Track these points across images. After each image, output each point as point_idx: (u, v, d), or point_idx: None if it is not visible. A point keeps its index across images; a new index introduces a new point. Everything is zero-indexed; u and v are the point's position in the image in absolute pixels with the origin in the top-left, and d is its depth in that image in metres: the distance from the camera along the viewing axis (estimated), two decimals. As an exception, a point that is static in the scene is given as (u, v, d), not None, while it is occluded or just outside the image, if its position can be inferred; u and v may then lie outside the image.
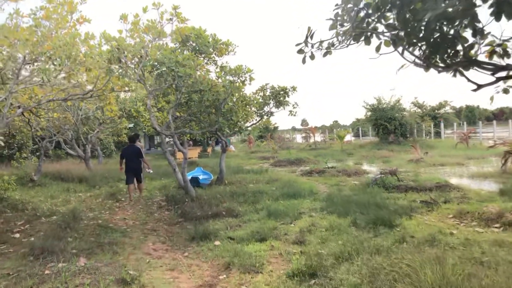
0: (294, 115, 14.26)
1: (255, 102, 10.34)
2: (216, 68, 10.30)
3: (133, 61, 9.19)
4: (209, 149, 31.72)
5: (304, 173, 17.35)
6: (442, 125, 35.44)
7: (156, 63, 8.74)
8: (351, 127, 64.62)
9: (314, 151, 31.63)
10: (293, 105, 13.97)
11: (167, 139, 10.10)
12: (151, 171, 15.24)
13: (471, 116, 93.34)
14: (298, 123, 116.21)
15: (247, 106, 10.59)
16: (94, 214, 9.46)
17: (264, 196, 10.79)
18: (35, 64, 9.11)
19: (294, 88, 13.86)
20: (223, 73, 9.62)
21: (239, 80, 9.63)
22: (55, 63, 8.82)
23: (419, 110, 39.51)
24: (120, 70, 9.35)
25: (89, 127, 18.70)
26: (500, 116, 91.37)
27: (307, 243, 6.46)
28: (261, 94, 14.04)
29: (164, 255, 6.34)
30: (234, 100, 10.41)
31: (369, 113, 33.10)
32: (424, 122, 33.77)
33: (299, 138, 56.08)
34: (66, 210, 9.79)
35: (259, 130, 48.18)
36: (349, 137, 41.01)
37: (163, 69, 8.47)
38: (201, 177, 14.59)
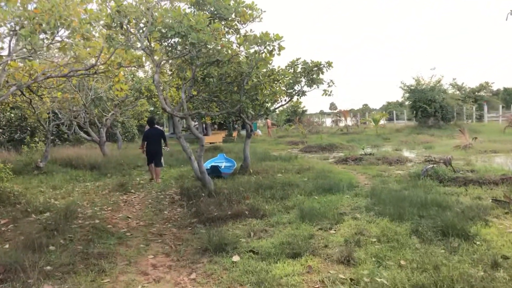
0: (330, 95, 12.40)
1: (286, 76, 8.52)
2: (239, 37, 8.54)
3: (137, 27, 7.55)
4: (235, 134, 30.14)
5: (339, 161, 15.52)
6: (485, 108, 32.68)
7: (164, 29, 7.07)
8: (381, 110, 61.90)
9: (346, 135, 29.59)
10: (328, 84, 12.14)
11: (188, 123, 8.46)
12: (168, 149, 13.74)
13: (509, 99, 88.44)
14: (327, 107, 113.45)
15: (275, 83, 8.81)
16: (93, 210, 7.98)
17: (295, 190, 9.09)
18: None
19: (329, 64, 11.96)
20: (245, 42, 7.85)
21: (265, 50, 7.87)
22: (46, 31, 7.29)
23: (458, 92, 36.67)
24: (122, 39, 7.75)
25: (102, 109, 17.33)
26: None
27: (357, 263, 4.75)
28: (291, 70, 12.25)
29: (165, 276, 4.74)
30: (260, 75, 8.63)
31: (406, 95, 30.67)
32: (466, 104, 31.08)
33: (328, 122, 53.90)
34: (64, 204, 8.38)
35: (286, 113, 46.31)
36: (382, 121, 38.59)
37: (172, 35, 6.80)
38: (223, 165, 13.01)
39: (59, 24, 7.35)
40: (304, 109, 48.06)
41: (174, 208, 8.22)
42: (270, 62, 7.99)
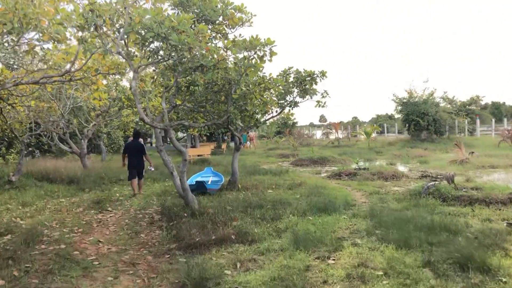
0: (323, 106, 11.72)
1: (277, 84, 7.74)
2: (226, 42, 7.78)
3: (113, 28, 6.77)
4: (224, 146, 29.29)
5: (332, 176, 14.79)
6: (478, 121, 32.33)
7: (142, 31, 6.31)
8: (371, 123, 61.60)
9: (338, 148, 28.93)
10: (322, 94, 11.45)
11: (169, 135, 7.65)
12: (153, 169, 13.29)
13: (497, 113, 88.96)
14: (317, 119, 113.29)
15: (266, 92, 8.05)
16: (61, 233, 7.10)
17: (287, 209, 8.31)
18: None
19: (323, 73, 11.30)
20: (234, 46, 7.09)
21: (255, 56, 7.12)
22: (5, 29, 6.47)
23: (449, 105, 36.31)
24: (98, 42, 6.98)
25: (82, 119, 16.42)
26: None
27: (364, 307, 3.96)
28: (283, 80, 11.55)
29: (132, 322, 3.91)
30: (249, 83, 7.86)
31: (399, 107, 30.16)
32: (459, 118, 30.66)
33: (319, 134, 53.33)
34: (30, 225, 7.49)
35: (277, 125, 45.62)
36: (373, 134, 38.02)
37: (151, 37, 6.04)
38: (209, 180, 12.18)
39: (24, 25, 6.56)
40: (295, 121, 47.44)
41: (152, 230, 7.36)
42: (261, 69, 7.26)
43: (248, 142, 38.68)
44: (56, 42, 7.24)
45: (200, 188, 10.22)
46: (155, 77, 8.84)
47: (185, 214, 7.61)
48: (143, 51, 7.13)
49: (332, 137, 41.62)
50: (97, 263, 5.65)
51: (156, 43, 6.89)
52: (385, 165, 17.96)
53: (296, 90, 11.42)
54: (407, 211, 8.06)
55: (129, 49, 7.17)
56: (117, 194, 11.40)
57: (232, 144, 38.05)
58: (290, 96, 11.53)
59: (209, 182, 11.94)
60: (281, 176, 14.45)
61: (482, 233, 6.22)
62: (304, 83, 11.24)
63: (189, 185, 10.79)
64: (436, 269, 4.78)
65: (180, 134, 33.44)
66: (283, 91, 11.21)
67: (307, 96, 11.47)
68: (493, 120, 33.71)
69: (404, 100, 29.91)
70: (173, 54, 6.38)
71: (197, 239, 6.18)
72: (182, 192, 7.98)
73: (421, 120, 27.78)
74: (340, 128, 37.31)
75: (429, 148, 24.87)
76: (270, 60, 7.18)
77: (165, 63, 7.16)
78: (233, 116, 7.58)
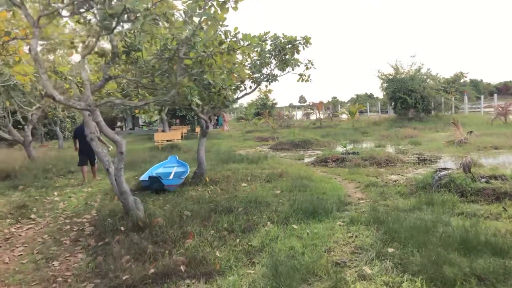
0: (307, 81, 9.68)
1: (248, 44, 5.56)
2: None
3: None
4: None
5: (317, 162, 12.83)
6: (466, 98, 30.77)
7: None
8: (351, 103, 59.86)
9: (320, 129, 26.98)
10: (306, 65, 9.40)
11: (95, 118, 5.43)
12: (111, 148, 11.45)
13: (475, 90, 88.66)
14: (296, 100, 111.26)
15: (232, 55, 5.84)
16: None
17: (264, 213, 6.31)
18: None
19: (307, 40, 9.27)
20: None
21: (214, 3, 4.94)
22: None
23: (432, 82, 34.60)
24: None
25: (23, 101, 13.95)
26: (505, 91, 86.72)
27: None
28: (258, 49, 9.43)
29: None
30: (207, 43, 5.63)
31: (385, 85, 28.26)
32: (448, 95, 28.95)
33: (299, 115, 51.40)
34: None
35: (256, 106, 43.37)
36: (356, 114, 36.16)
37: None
38: (173, 173, 10.07)
39: None
40: (274, 101, 45.25)
41: (73, 253, 5.20)
42: (222, 21, 5.09)
43: (224, 125, 36.52)
44: None
45: (155, 185, 8.11)
46: (87, 41, 6.56)
47: (122, 228, 5.49)
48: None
49: (313, 117, 39.71)
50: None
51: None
52: (375, 147, 16.12)
53: (274, 61, 9.36)
54: (420, 212, 6.16)
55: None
56: (55, 193, 9.17)
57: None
58: (267, 68, 9.46)
59: (172, 174, 9.82)
60: (258, 164, 12.44)
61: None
62: (284, 51, 9.19)
63: (142, 180, 8.71)
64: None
65: (100, 117, 30.85)
66: (258, 63, 9.14)
67: (288, 68, 9.44)
68: (482, 96, 32.21)
69: (390, 77, 28.02)
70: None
71: (126, 276, 4.08)
72: (120, 196, 5.84)
73: (408, 98, 25.96)
74: (322, 108, 35.33)
75: (418, 127, 23.13)
76: (235, 8, 5.01)
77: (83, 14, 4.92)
78: (188, 91, 5.43)
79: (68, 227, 6.36)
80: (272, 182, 9.22)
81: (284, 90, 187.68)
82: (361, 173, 10.25)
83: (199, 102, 5.57)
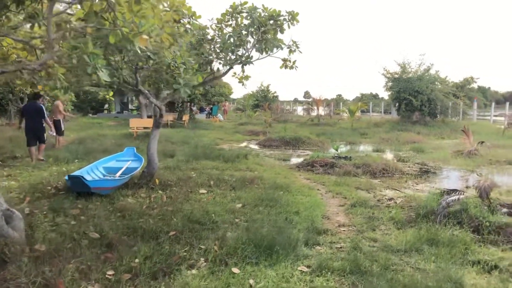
0: (291, 68, 7.86)
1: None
2: None
3: None
4: (186, 117, 25.07)
5: (302, 165, 11.03)
6: (475, 104, 28.82)
7: None
8: (356, 102, 57.94)
9: (317, 127, 25.15)
10: (289, 47, 7.60)
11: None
12: (54, 134, 12.27)
13: (483, 97, 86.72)
14: (302, 95, 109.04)
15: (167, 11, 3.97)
16: None
17: (202, 241, 4.52)
18: None
19: (293, 16, 7.46)
20: None
21: None
22: None
23: (440, 86, 32.57)
24: None
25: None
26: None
27: None
28: (232, 23, 7.63)
29: None
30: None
31: (389, 84, 26.29)
32: (457, 100, 26.97)
33: (300, 110, 49.48)
34: None
35: (255, 98, 41.41)
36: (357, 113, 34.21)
37: None
38: (124, 168, 8.28)
39: None
40: (275, 94, 43.22)
41: None
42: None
43: (219, 114, 34.70)
44: None
45: (77, 187, 6.28)
46: None
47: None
48: None
49: (313, 114, 37.80)
50: None
51: None
52: (372, 152, 14.31)
53: (252, 39, 7.53)
54: (419, 256, 4.39)
55: None
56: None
57: (200, 116, 33.81)
58: (243, 48, 7.63)
59: (119, 172, 8.03)
60: (234, 163, 10.69)
61: None
62: (265, 29, 7.38)
63: (67, 180, 6.83)
64: None
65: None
66: (231, 41, 7.37)
67: (268, 51, 7.63)
68: (493, 103, 30.16)
69: (396, 75, 26.04)
70: None
71: None
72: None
73: (414, 99, 23.99)
74: (322, 104, 33.39)
75: (422, 132, 21.28)
76: None
77: None
78: (91, 59, 3.57)
79: None
80: (238, 190, 7.44)
81: (291, 84, 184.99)
82: (349, 185, 8.47)
83: (106, 78, 3.73)
